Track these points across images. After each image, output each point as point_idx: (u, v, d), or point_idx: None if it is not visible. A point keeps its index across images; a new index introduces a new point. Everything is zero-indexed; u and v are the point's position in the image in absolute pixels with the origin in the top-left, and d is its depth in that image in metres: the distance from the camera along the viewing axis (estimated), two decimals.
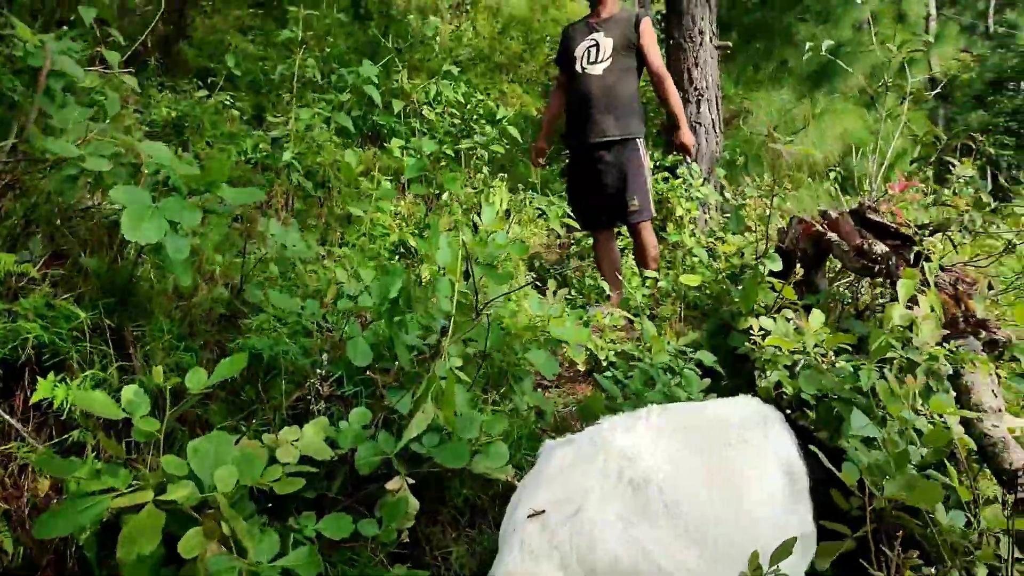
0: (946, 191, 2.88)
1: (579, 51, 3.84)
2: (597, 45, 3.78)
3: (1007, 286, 2.64)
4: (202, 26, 6.55)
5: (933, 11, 13.44)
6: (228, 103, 5.30)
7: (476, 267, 1.85)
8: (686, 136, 3.89)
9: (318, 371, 1.71)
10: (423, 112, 4.48)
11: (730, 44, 5.59)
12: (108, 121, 2.01)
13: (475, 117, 4.81)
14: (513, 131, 4.35)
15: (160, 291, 1.91)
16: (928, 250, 2.23)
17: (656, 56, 3.82)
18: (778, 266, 2.40)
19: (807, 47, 5.48)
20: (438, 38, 13.70)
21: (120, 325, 1.68)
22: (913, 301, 2.10)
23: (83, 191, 2.14)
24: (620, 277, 4.05)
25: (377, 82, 3.77)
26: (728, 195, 4.40)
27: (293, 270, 2.19)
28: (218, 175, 1.60)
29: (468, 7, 18.31)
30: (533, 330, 2.04)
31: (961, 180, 3.03)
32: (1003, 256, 2.54)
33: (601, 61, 3.76)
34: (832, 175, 5.81)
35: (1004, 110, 15.28)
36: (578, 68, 3.83)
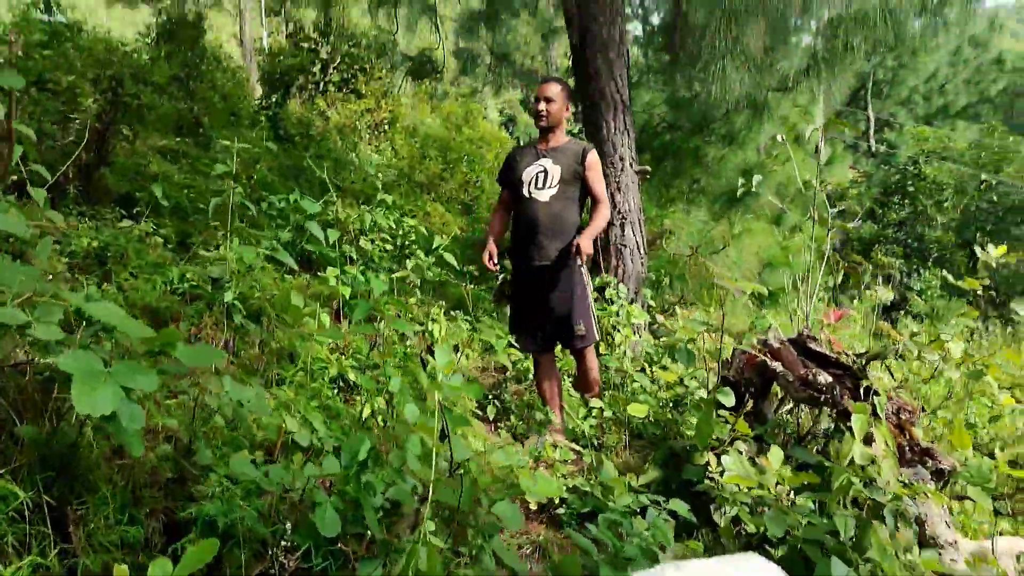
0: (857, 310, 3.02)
1: (527, 176, 3.93)
2: (545, 172, 3.89)
3: (933, 410, 2.75)
4: (123, 152, 6.46)
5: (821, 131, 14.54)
6: (152, 231, 5.19)
7: (447, 419, 1.81)
8: (586, 241, 3.70)
9: (281, 541, 1.60)
10: (359, 242, 4.48)
11: (649, 168, 5.86)
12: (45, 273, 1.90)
13: (408, 244, 4.85)
14: (450, 258, 4.38)
15: (99, 455, 1.77)
16: (872, 383, 2.32)
17: (600, 188, 3.93)
18: (731, 400, 2.44)
19: (739, 183, 5.82)
20: (358, 158, 13.93)
21: (60, 501, 1.54)
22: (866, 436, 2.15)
23: (10, 345, 2.01)
24: (562, 402, 4.04)
25: (316, 216, 3.76)
26: (660, 318, 4.50)
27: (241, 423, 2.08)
28: (173, 336, 1.53)
29: (387, 127, 18.79)
30: (500, 482, 1.99)
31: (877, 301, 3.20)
32: (931, 380, 2.66)
33: (548, 187, 3.87)
34: (747, 292, 6.07)
35: (891, 222, 16.50)
36: (525, 192, 3.92)
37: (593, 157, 3.95)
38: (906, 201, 16.13)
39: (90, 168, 5.45)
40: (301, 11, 20.12)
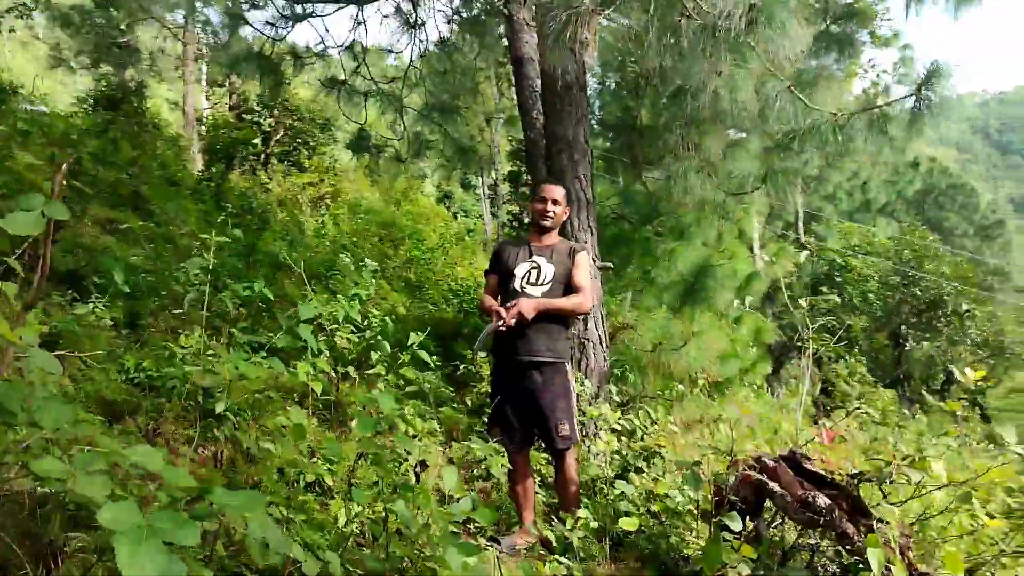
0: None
1: (519, 270, 3.95)
2: (539, 269, 3.93)
3: (921, 528, 2.81)
4: (68, 227, 6.23)
5: (756, 225, 15.30)
6: (101, 312, 4.98)
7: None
8: (529, 303, 3.74)
9: None
10: (333, 336, 4.37)
11: (612, 264, 5.98)
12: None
13: (376, 337, 4.76)
14: (424, 356, 4.31)
15: None
16: (868, 505, 2.36)
17: (584, 278, 3.94)
18: (738, 525, 2.44)
19: (691, 278, 6.00)
20: (302, 234, 13.75)
21: None
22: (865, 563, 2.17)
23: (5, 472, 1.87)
24: (533, 503, 3.98)
25: (312, 320, 3.67)
26: (638, 421, 4.51)
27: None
28: (216, 480, 1.44)
29: (328, 202, 18.71)
30: None
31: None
32: (917, 498, 2.73)
33: (541, 284, 3.89)
34: (700, 382, 6.19)
35: (821, 310, 17.23)
36: (517, 286, 3.92)
37: (584, 256, 4.01)
38: (834, 291, 16.89)
39: (36, 244, 5.22)
40: (245, 83, 20.13)
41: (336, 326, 4.48)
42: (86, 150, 10.71)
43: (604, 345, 5.44)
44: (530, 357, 3.83)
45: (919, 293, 15.19)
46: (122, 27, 20.13)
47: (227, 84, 21.95)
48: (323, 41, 6.99)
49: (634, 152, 7.10)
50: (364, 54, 6.56)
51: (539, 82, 9.43)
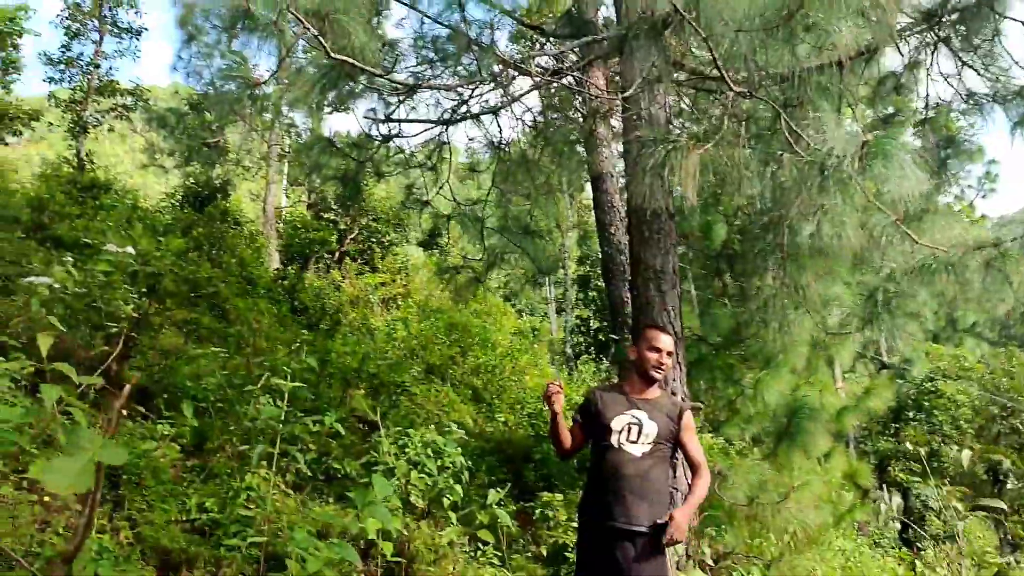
0: None
1: (618, 424, 3.54)
2: (640, 425, 3.52)
3: None
4: (148, 344, 6.19)
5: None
6: (169, 428, 4.82)
7: None
8: (683, 516, 3.31)
9: None
10: (407, 482, 4.08)
11: (702, 405, 5.59)
12: None
13: (448, 481, 4.45)
14: (505, 518, 3.97)
15: None
16: None
17: (698, 450, 3.59)
18: None
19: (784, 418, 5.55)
20: (373, 339, 13.65)
21: None
22: None
23: None
24: None
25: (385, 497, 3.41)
26: None
27: None
28: None
29: (399, 302, 18.75)
30: None
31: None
32: None
33: (642, 443, 3.49)
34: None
35: (907, 438, 16.19)
36: (614, 442, 3.50)
37: (689, 417, 3.63)
38: (922, 416, 15.86)
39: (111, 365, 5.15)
40: (326, 184, 20.73)
41: (410, 468, 4.19)
42: (168, 251, 10.99)
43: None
44: (626, 525, 3.39)
45: (1021, 426, 14.06)
46: (213, 127, 21.14)
47: (306, 183, 22.66)
48: (406, 159, 7.00)
49: (721, 277, 6.79)
50: (449, 173, 6.52)
51: (616, 197, 9.34)
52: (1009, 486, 14.31)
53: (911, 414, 16.16)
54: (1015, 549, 13.96)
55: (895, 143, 4.10)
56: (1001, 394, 14.30)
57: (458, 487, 4.11)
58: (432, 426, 7.40)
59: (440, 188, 6.62)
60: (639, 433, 3.52)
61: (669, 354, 3.67)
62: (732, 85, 4.36)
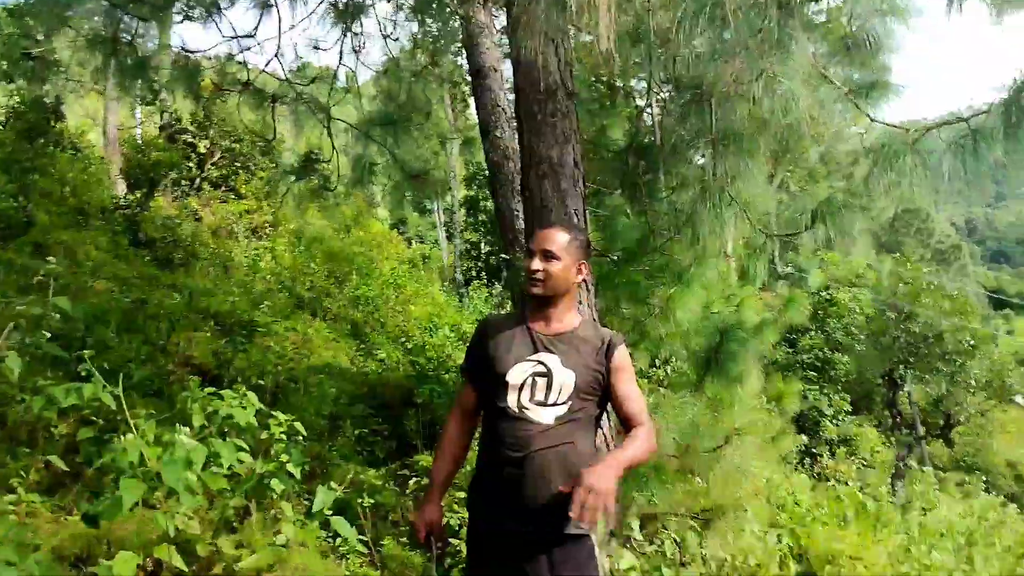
0: None
1: (515, 375, 2.33)
2: (548, 375, 2.31)
3: None
4: None
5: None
6: None
7: None
8: (605, 478, 2.00)
9: None
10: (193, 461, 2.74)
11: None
12: None
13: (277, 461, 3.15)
14: (345, 528, 2.73)
15: None
16: None
17: (638, 402, 2.37)
18: None
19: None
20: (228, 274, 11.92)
21: None
22: None
23: None
24: None
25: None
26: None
27: None
28: None
29: (268, 230, 16.86)
30: None
31: None
32: None
33: (552, 404, 2.29)
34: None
35: (805, 348, 16.03)
36: (512, 403, 2.30)
37: (625, 355, 2.40)
38: (816, 326, 15.69)
39: None
40: (177, 102, 18.39)
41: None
42: None
43: (612, 445, 3.89)
44: (532, 526, 2.22)
45: (916, 330, 13.95)
46: (38, 37, 18.18)
47: (157, 102, 20.02)
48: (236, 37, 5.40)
49: (631, 178, 5.64)
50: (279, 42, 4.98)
51: (502, 95, 7.99)
52: (904, 390, 14.34)
53: (807, 324, 16.02)
54: (909, 450, 14.08)
55: None
56: (897, 300, 14.18)
57: (287, 477, 2.82)
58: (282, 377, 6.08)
59: (268, 64, 5.10)
60: (548, 385, 2.30)
61: (549, 255, 2.38)
62: None
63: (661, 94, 5.04)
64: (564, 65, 4.28)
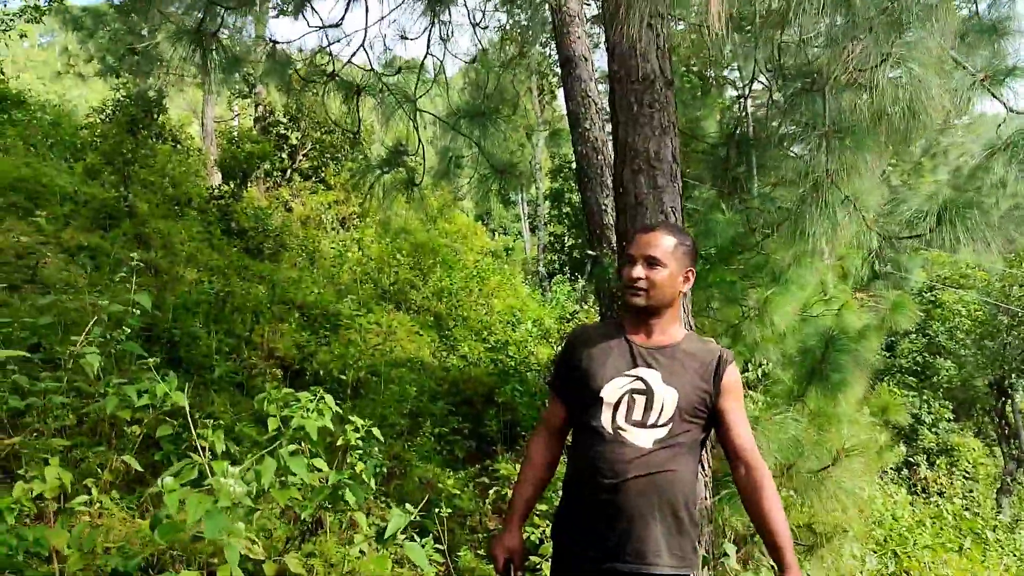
0: None
1: (610, 391, 2.10)
2: (647, 392, 2.08)
3: None
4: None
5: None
6: None
7: None
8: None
9: None
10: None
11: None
12: None
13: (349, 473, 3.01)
14: (415, 554, 2.56)
15: None
16: None
17: (746, 433, 2.15)
18: None
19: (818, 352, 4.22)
20: (314, 267, 12.06)
21: None
22: None
23: None
24: None
25: None
26: None
27: None
28: None
29: (356, 221, 17.06)
30: None
31: None
32: None
33: (652, 425, 2.06)
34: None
35: (904, 352, 15.17)
36: (606, 423, 2.08)
37: (736, 376, 2.16)
38: (918, 329, 14.83)
39: None
40: (271, 95, 18.83)
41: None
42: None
43: (708, 469, 3.62)
44: (630, 565, 2.01)
45: None
46: (142, 32, 18.86)
47: (252, 95, 20.55)
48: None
49: (727, 172, 5.32)
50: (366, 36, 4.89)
51: (592, 85, 7.74)
52: (1016, 400, 13.38)
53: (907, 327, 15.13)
54: (1019, 465, 13.14)
55: None
56: (1010, 303, 13.21)
57: (360, 489, 2.68)
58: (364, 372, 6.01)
59: (355, 54, 5.03)
60: (647, 405, 2.07)
61: (652, 262, 2.15)
62: None
63: (760, 83, 4.70)
64: (663, 53, 4.01)
